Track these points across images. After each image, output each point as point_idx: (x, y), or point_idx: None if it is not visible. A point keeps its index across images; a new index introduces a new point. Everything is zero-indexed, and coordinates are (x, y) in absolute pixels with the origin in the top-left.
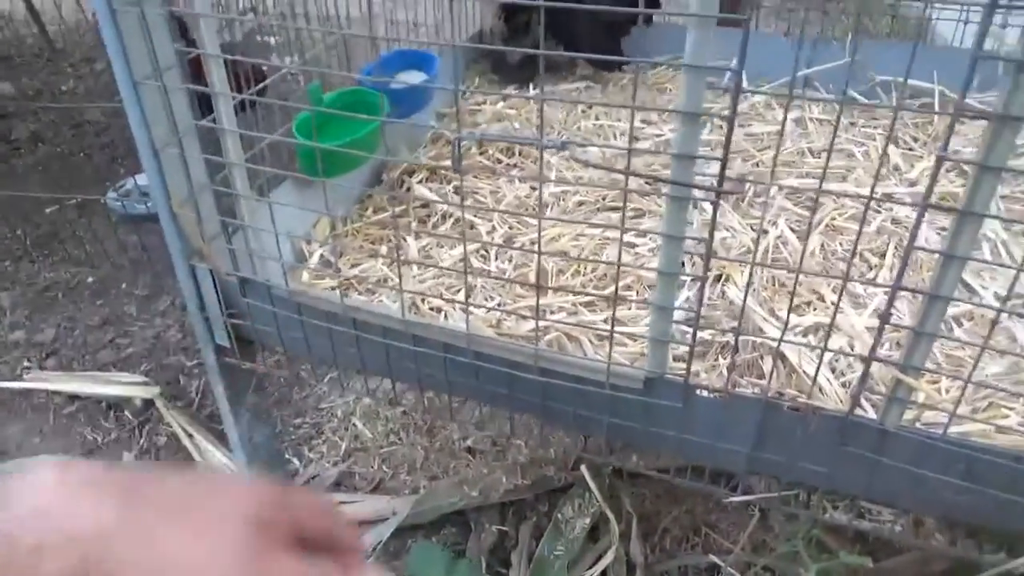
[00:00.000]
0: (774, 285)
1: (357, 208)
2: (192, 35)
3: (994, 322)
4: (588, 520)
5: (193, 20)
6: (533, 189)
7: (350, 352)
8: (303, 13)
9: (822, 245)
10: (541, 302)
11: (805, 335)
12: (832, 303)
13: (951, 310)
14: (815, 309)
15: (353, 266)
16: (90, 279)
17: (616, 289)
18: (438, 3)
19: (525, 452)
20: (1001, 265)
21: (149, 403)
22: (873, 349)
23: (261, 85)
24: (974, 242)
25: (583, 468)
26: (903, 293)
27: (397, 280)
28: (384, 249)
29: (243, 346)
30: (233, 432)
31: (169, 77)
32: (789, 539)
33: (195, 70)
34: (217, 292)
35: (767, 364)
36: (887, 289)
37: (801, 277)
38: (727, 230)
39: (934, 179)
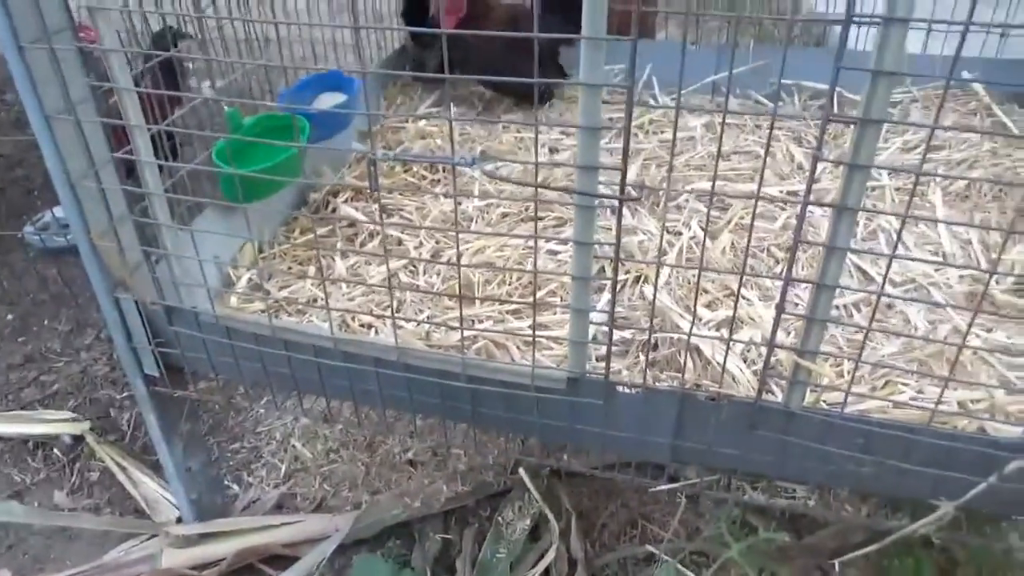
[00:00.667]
0: (689, 283)
1: (283, 230)
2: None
3: (874, 308)
4: (528, 521)
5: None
6: (459, 203)
7: (282, 373)
8: (219, 38)
9: (732, 243)
10: (469, 312)
11: (718, 328)
12: (743, 297)
13: (850, 297)
14: (725, 304)
15: (282, 288)
16: (9, 316)
17: (535, 296)
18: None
19: (465, 460)
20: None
21: (79, 439)
22: (772, 337)
23: (178, 114)
24: (851, 233)
25: (521, 471)
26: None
27: (325, 300)
28: (312, 270)
29: (173, 374)
30: (168, 462)
31: (83, 111)
32: (717, 523)
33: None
34: (143, 322)
35: (684, 358)
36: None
37: (714, 274)
38: (644, 233)
39: (811, 178)
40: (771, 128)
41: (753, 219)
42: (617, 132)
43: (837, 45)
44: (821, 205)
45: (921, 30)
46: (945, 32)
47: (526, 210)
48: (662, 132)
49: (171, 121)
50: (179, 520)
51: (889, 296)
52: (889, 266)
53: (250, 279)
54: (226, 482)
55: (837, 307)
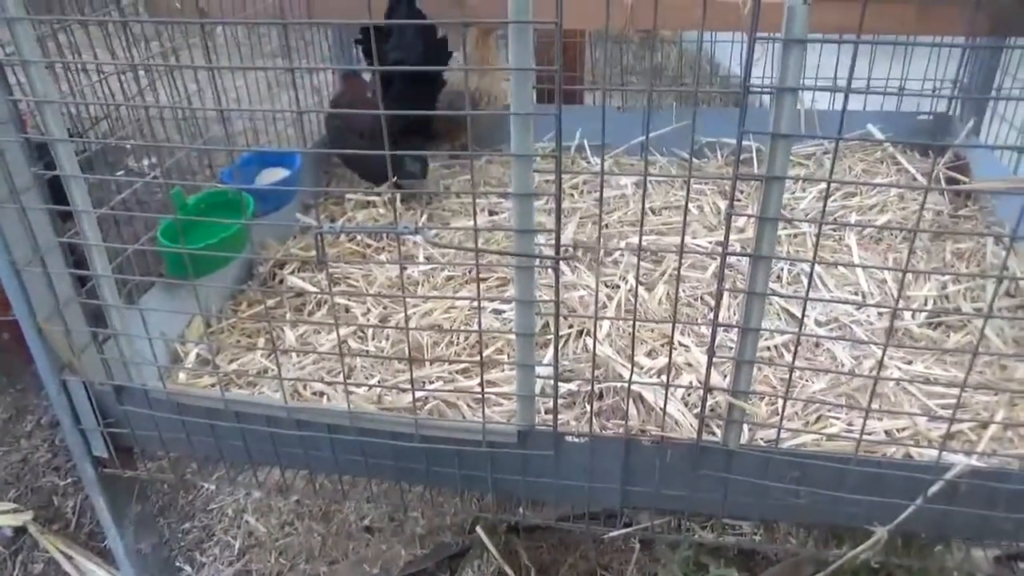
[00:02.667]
0: (629, 334)
1: (231, 304)
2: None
3: (795, 348)
4: None
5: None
6: (404, 269)
7: (235, 446)
8: (159, 116)
9: (667, 293)
10: (419, 374)
11: (659, 375)
12: (680, 344)
13: (780, 338)
14: (664, 352)
15: (231, 361)
16: None
17: (481, 354)
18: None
19: (423, 523)
20: (795, 297)
21: (21, 530)
22: (707, 380)
23: (121, 196)
24: (767, 280)
25: (479, 529)
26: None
27: (276, 370)
28: (261, 341)
29: (122, 455)
30: (119, 546)
31: (28, 198)
32: (670, 565)
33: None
34: (92, 403)
35: (630, 407)
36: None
37: (653, 324)
38: (584, 289)
39: (727, 232)
40: (687, 185)
41: (679, 271)
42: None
43: (749, 108)
44: (738, 255)
45: (828, 91)
46: (846, 91)
47: (469, 272)
48: (595, 192)
49: (113, 204)
50: None
51: (809, 336)
52: (804, 307)
53: (198, 354)
54: (178, 563)
55: (769, 348)
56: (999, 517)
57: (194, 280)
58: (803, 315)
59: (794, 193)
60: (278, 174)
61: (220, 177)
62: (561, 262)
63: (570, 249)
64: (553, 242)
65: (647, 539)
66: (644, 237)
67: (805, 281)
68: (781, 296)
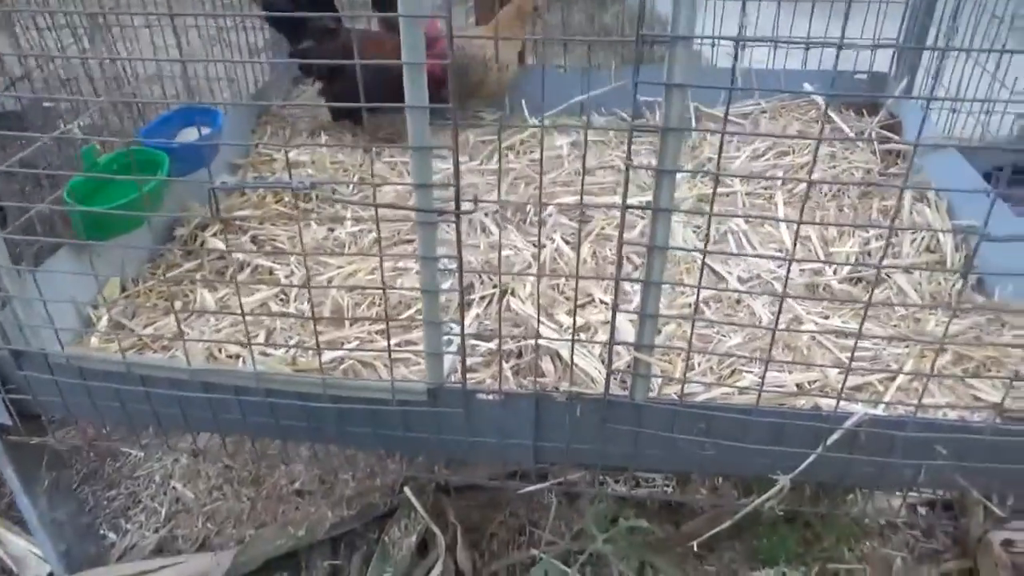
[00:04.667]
0: (553, 291)
1: (149, 267)
2: None
3: (694, 304)
4: (415, 538)
5: None
6: (331, 230)
7: (142, 410)
8: (85, 75)
9: (593, 252)
10: (339, 335)
11: (578, 333)
12: (602, 302)
13: (704, 294)
14: (589, 309)
15: (147, 325)
16: None
17: (387, 313)
18: (229, 56)
19: (353, 485)
20: (696, 251)
21: None
22: (611, 336)
23: (27, 151)
24: (668, 234)
25: (407, 490)
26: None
27: (192, 335)
28: (179, 304)
29: (28, 422)
30: (32, 514)
31: None
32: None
33: None
34: None
35: (547, 364)
36: (636, 283)
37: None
38: (511, 248)
39: (626, 185)
40: (586, 142)
41: (580, 232)
42: (491, 152)
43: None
44: (637, 207)
45: (766, 46)
46: (787, 48)
47: (398, 234)
48: (532, 152)
49: (14, 161)
50: (50, 575)
51: (712, 289)
52: (703, 264)
53: (111, 318)
54: (102, 531)
55: (690, 305)
56: (897, 464)
57: (104, 242)
58: (701, 273)
59: (729, 152)
60: (199, 133)
61: (137, 134)
62: (485, 219)
63: (472, 204)
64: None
65: (571, 493)
66: (574, 197)
67: (731, 239)
68: (681, 250)
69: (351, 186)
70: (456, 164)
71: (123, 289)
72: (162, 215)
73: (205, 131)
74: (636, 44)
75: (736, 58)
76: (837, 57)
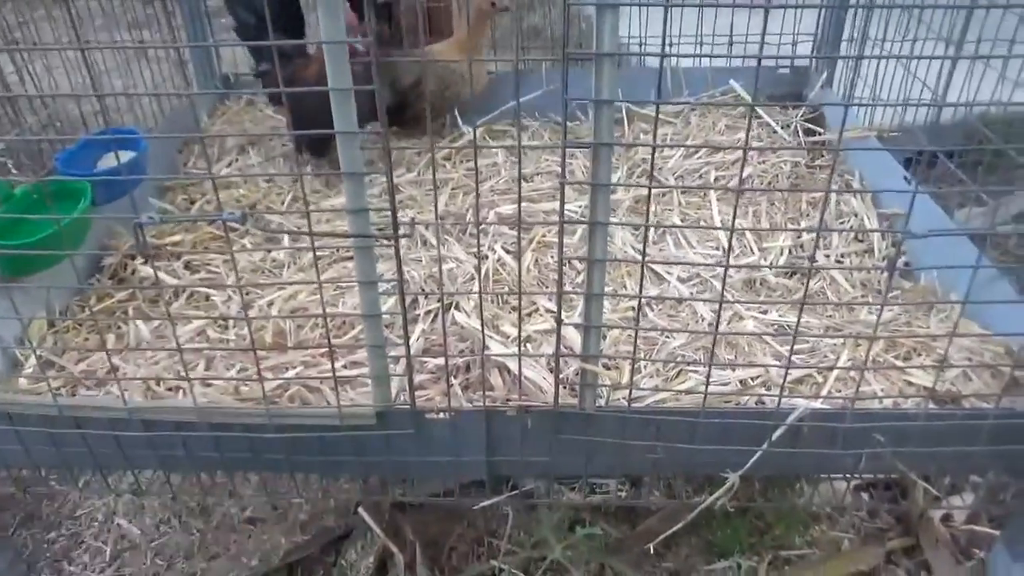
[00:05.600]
0: (497, 303)
1: (78, 300)
2: None
3: (638, 309)
4: (372, 558)
5: None
6: (268, 251)
7: (79, 452)
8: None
9: (536, 260)
10: (283, 360)
11: (526, 344)
12: (545, 310)
13: (647, 294)
14: (534, 319)
15: (79, 361)
16: None
17: (329, 338)
18: (155, 72)
19: (306, 508)
20: (632, 261)
21: None
22: (557, 346)
23: None
24: (605, 246)
25: (361, 510)
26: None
27: (127, 369)
28: (112, 338)
29: None
30: None
31: None
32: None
33: None
34: None
35: (495, 378)
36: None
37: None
38: (453, 261)
39: (562, 204)
40: (520, 155)
41: (519, 248)
42: (428, 163)
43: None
44: (575, 223)
45: (692, 44)
46: (712, 45)
47: (338, 251)
48: (468, 161)
49: None
50: None
51: (653, 298)
52: (643, 269)
53: (39, 357)
54: (44, 575)
55: (632, 309)
56: (839, 453)
57: (30, 277)
58: (642, 279)
59: (662, 152)
60: (122, 157)
61: (55, 164)
62: (426, 231)
63: (408, 227)
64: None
65: (530, 504)
66: (514, 205)
67: (669, 239)
68: (619, 261)
69: (284, 204)
70: (391, 187)
71: (51, 325)
72: (86, 252)
73: (124, 156)
74: (563, 61)
75: (660, 74)
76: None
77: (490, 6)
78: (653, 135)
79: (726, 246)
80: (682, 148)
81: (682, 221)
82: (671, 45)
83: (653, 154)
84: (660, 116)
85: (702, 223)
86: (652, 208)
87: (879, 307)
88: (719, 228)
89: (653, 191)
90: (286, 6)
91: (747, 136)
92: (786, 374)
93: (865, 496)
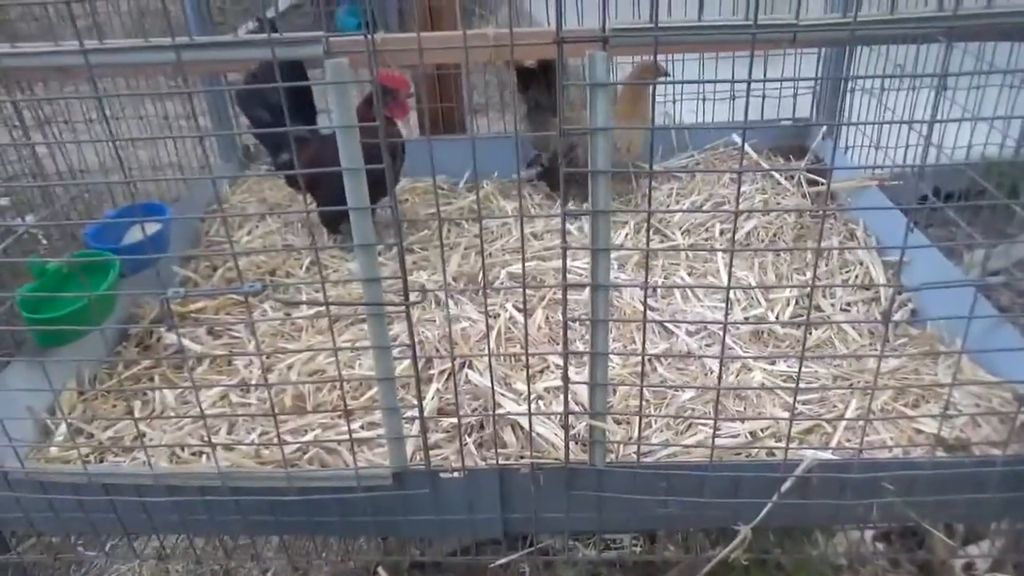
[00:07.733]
0: (509, 361)
1: (106, 368)
2: None
3: (642, 367)
4: None
5: None
6: (287, 315)
7: (108, 518)
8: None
9: (547, 317)
10: (302, 422)
11: (537, 401)
12: (556, 367)
13: (656, 348)
14: (545, 376)
15: (107, 428)
16: None
17: (344, 401)
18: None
19: (327, 570)
20: (634, 320)
21: None
22: (565, 405)
23: None
24: (607, 307)
25: (380, 571)
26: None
27: (153, 434)
28: (139, 405)
29: None
30: None
31: None
32: None
33: None
34: None
35: (508, 435)
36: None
37: (532, 349)
38: (466, 320)
39: (564, 269)
40: (522, 221)
41: (525, 311)
42: (433, 231)
43: None
44: (578, 286)
45: (694, 99)
46: (713, 100)
47: (356, 312)
48: (475, 223)
49: None
50: None
51: (650, 356)
52: (644, 328)
53: (70, 425)
54: None
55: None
56: (848, 504)
57: (61, 348)
58: (643, 338)
59: (669, 206)
60: (149, 229)
61: (84, 238)
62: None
63: (421, 294)
64: (415, 283)
65: (547, 562)
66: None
67: (677, 293)
68: (620, 321)
69: (303, 268)
70: (402, 256)
71: (80, 393)
72: (114, 326)
73: (150, 229)
74: (560, 134)
75: (652, 153)
76: (762, 106)
77: (656, 70)
78: (648, 201)
79: (730, 301)
80: (688, 202)
81: (689, 274)
82: (674, 102)
83: (649, 219)
84: (665, 171)
85: (709, 278)
86: (659, 263)
87: (879, 357)
88: (718, 287)
89: (663, 244)
90: (299, 98)
91: (737, 199)
92: (791, 425)
93: (881, 546)
